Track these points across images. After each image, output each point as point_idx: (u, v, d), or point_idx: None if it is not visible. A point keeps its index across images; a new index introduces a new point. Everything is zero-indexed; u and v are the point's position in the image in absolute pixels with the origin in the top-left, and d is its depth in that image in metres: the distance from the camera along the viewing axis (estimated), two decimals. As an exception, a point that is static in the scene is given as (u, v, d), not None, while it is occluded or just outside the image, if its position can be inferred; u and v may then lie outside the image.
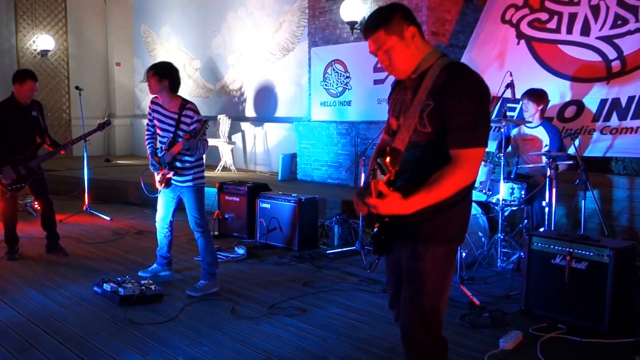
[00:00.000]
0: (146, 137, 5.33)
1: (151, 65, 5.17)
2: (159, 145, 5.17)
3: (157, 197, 5.39)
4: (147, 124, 5.30)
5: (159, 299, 4.75)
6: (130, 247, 6.69)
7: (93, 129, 6.76)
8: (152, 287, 4.81)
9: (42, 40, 13.33)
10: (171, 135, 5.00)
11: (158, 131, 5.14)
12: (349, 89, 9.37)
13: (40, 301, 4.77)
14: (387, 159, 2.31)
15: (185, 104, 5.01)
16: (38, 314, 4.46)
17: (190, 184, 5.04)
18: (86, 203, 8.41)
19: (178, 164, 5.00)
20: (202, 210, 5.10)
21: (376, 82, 8.86)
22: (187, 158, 4.99)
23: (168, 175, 5.02)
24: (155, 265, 5.53)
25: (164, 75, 4.96)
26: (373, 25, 2.45)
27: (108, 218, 8.16)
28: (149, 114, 5.20)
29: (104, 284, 4.85)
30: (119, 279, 4.92)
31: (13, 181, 5.91)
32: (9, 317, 4.40)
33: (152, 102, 5.15)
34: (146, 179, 5.80)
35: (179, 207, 5.33)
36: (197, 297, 4.86)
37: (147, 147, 5.29)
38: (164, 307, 4.63)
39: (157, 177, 5.15)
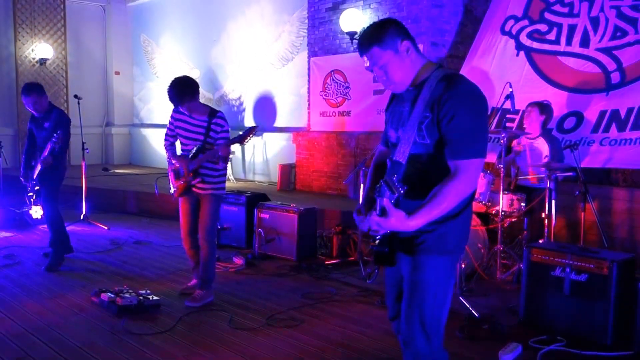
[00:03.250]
0: (165, 146, 5.18)
1: (179, 91, 4.85)
2: (180, 152, 5.11)
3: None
4: (167, 133, 5.17)
5: (156, 309, 4.72)
6: (128, 256, 6.66)
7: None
8: (150, 297, 4.79)
9: (40, 49, 13.33)
10: (199, 143, 4.93)
11: (183, 135, 5.03)
12: (348, 99, 9.38)
13: (38, 311, 4.74)
14: (395, 177, 2.30)
15: (214, 112, 4.98)
16: (35, 324, 4.43)
17: (213, 191, 5.00)
18: (84, 212, 8.38)
19: (204, 171, 4.94)
20: (216, 221, 5.14)
21: (376, 92, 8.87)
22: (213, 165, 4.96)
23: (193, 182, 4.95)
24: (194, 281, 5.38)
25: (197, 91, 4.97)
26: (367, 42, 2.46)
27: (106, 227, 8.14)
28: (171, 122, 5.13)
29: (102, 294, 4.82)
30: (116, 288, 4.89)
31: (31, 186, 6.10)
32: (6, 327, 4.37)
33: (176, 112, 5.08)
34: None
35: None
36: (197, 307, 4.84)
37: (167, 153, 5.15)
38: (162, 317, 4.60)
39: (177, 183, 5.05)
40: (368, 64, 2.50)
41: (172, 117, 5.12)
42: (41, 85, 6.18)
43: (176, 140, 5.14)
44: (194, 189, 4.98)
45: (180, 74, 5.11)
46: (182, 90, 4.83)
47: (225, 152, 4.85)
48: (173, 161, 5.03)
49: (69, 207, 9.33)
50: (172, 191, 5.16)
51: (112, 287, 4.99)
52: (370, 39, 2.45)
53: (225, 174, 5.10)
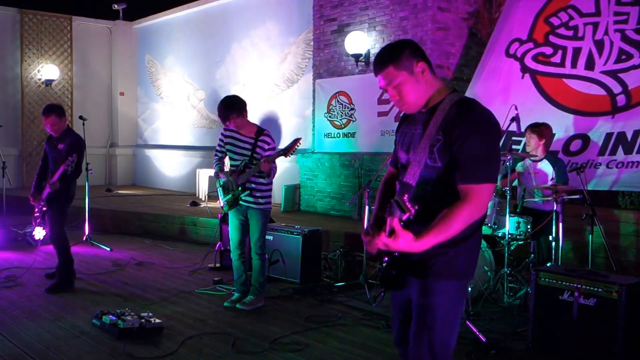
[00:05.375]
0: (214, 161, 5.48)
1: (225, 108, 5.21)
2: (228, 168, 5.39)
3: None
4: (217, 149, 5.49)
5: (159, 332, 4.66)
6: (130, 278, 6.60)
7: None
8: (152, 320, 4.72)
9: (46, 70, 13.41)
10: (247, 158, 5.24)
11: (231, 155, 5.36)
12: (353, 121, 9.37)
13: (38, 333, 4.68)
14: (405, 197, 2.27)
15: (261, 130, 5.31)
16: (35, 347, 4.37)
17: (262, 206, 5.29)
18: (86, 233, 8.34)
19: (252, 185, 5.21)
20: (265, 234, 5.44)
21: (380, 114, 8.87)
22: (261, 180, 5.22)
23: (241, 195, 5.21)
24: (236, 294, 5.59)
25: (244, 109, 5.27)
26: (382, 62, 2.47)
27: (108, 249, 8.09)
28: (221, 139, 5.44)
29: (103, 317, 4.76)
30: (118, 311, 4.83)
31: (38, 207, 6.08)
32: (5, 349, 4.31)
33: (226, 129, 5.38)
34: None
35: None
36: (248, 310, 5.26)
37: (215, 167, 5.45)
38: (164, 341, 4.54)
39: (226, 198, 5.32)
40: (382, 83, 2.50)
41: (222, 133, 5.44)
42: (62, 107, 6.28)
43: (225, 156, 5.46)
44: (242, 203, 5.26)
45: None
46: (229, 107, 5.20)
47: (266, 167, 5.13)
48: (220, 175, 5.34)
49: (72, 228, 9.31)
50: (221, 205, 5.47)
51: (113, 310, 4.92)
52: (386, 58, 2.47)
53: (271, 188, 5.39)
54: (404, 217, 2.25)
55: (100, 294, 5.90)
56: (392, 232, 2.25)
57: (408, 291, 2.56)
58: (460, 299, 2.53)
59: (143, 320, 4.66)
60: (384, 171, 2.91)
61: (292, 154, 5.28)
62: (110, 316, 4.71)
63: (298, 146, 5.26)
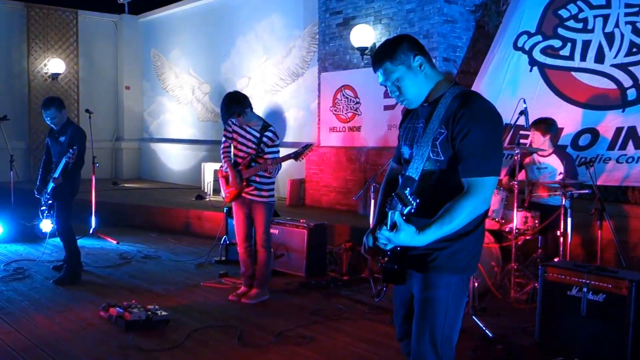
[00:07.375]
0: (223, 152, 5.46)
1: (225, 110, 5.25)
2: (232, 157, 5.40)
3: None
4: (224, 140, 5.47)
5: (165, 325, 4.66)
6: (136, 271, 6.61)
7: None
8: (159, 312, 4.73)
9: (53, 64, 13.42)
10: (252, 152, 5.26)
11: (236, 145, 5.36)
12: (358, 115, 9.34)
13: (46, 324, 4.69)
14: (408, 190, 2.26)
15: (266, 126, 5.32)
16: (43, 338, 4.38)
17: (265, 200, 5.30)
18: (93, 226, 8.35)
19: (257, 179, 5.25)
20: (270, 227, 5.46)
21: (386, 107, 8.83)
22: (264, 174, 5.25)
23: (246, 190, 5.24)
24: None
25: (245, 107, 5.26)
26: (380, 58, 2.49)
27: (115, 241, 8.10)
28: (228, 130, 5.43)
29: (110, 309, 4.77)
30: (125, 303, 4.83)
31: (44, 200, 6.07)
32: (14, 340, 4.32)
33: (232, 121, 5.36)
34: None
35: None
36: (253, 303, 5.27)
37: (223, 159, 5.42)
38: (171, 333, 4.54)
39: (228, 190, 5.33)
40: (382, 79, 2.51)
41: (229, 126, 5.41)
42: (61, 100, 6.28)
43: (231, 146, 5.44)
44: (245, 196, 5.27)
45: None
46: (229, 109, 5.21)
47: (272, 169, 5.21)
48: (228, 168, 5.32)
49: (78, 221, 9.31)
50: (223, 196, 5.50)
51: (120, 302, 4.92)
52: (383, 54, 2.48)
53: (274, 181, 5.42)
54: (406, 211, 2.24)
55: (107, 287, 5.91)
56: (394, 226, 2.25)
57: (410, 286, 2.55)
58: (462, 293, 2.51)
59: (149, 313, 4.67)
60: (389, 167, 2.88)
61: (302, 159, 5.35)
62: (117, 308, 4.72)
63: (309, 152, 5.33)
